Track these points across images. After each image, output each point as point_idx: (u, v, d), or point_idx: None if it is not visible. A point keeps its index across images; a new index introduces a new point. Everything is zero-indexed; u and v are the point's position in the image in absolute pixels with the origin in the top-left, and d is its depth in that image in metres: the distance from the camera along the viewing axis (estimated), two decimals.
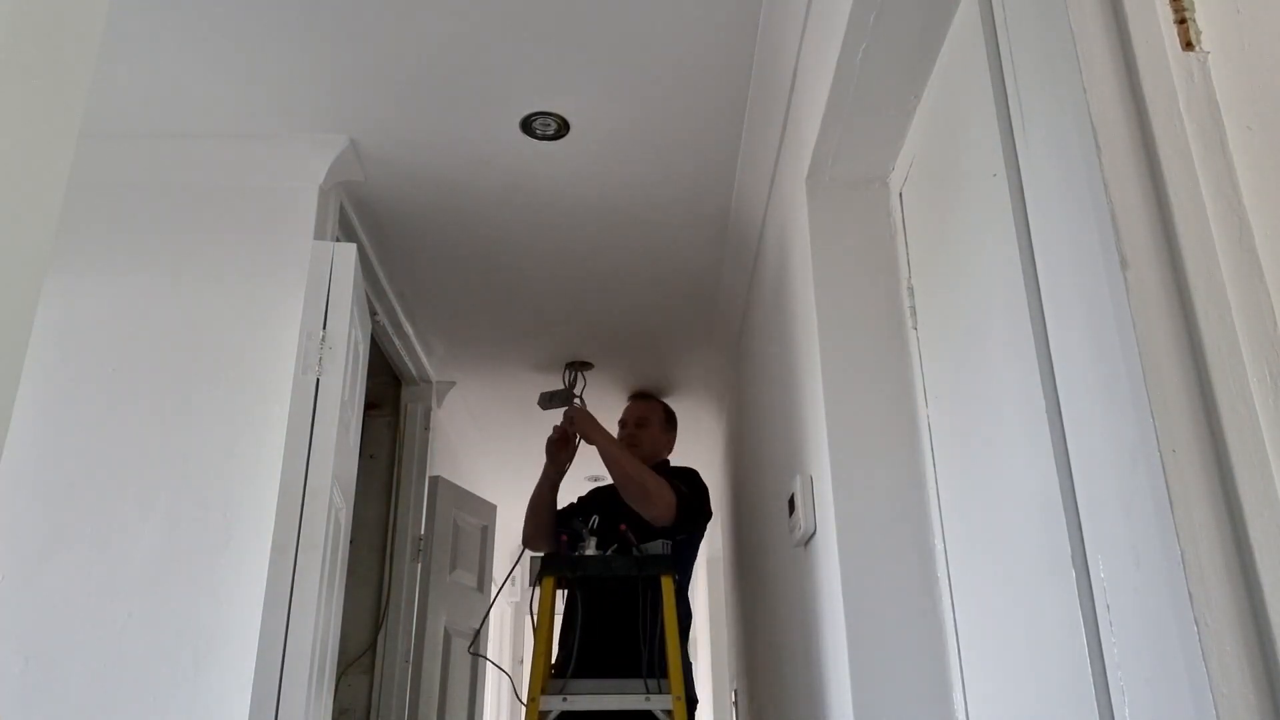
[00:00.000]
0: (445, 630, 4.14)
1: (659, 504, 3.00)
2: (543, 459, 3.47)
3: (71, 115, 0.86)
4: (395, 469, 4.06)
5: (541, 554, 2.98)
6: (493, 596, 4.28)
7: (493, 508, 4.80)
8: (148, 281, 2.53)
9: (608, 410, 4.08)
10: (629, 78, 2.40)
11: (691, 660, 3.17)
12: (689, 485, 3.21)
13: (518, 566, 3.28)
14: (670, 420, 3.74)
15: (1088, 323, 1.04)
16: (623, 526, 2.93)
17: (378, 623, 3.80)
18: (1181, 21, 0.95)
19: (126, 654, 2.19)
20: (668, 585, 2.71)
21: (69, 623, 2.21)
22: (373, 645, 3.76)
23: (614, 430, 3.55)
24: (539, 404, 3.99)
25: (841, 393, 1.86)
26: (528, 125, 2.58)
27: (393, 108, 2.52)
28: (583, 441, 3.39)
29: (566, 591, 2.92)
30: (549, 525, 3.34)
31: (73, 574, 2.24)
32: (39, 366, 2.40)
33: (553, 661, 2.94)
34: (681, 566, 3.11)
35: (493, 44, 2.28)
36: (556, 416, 4.01)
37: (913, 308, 1.83)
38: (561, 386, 4.04)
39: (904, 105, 1.79)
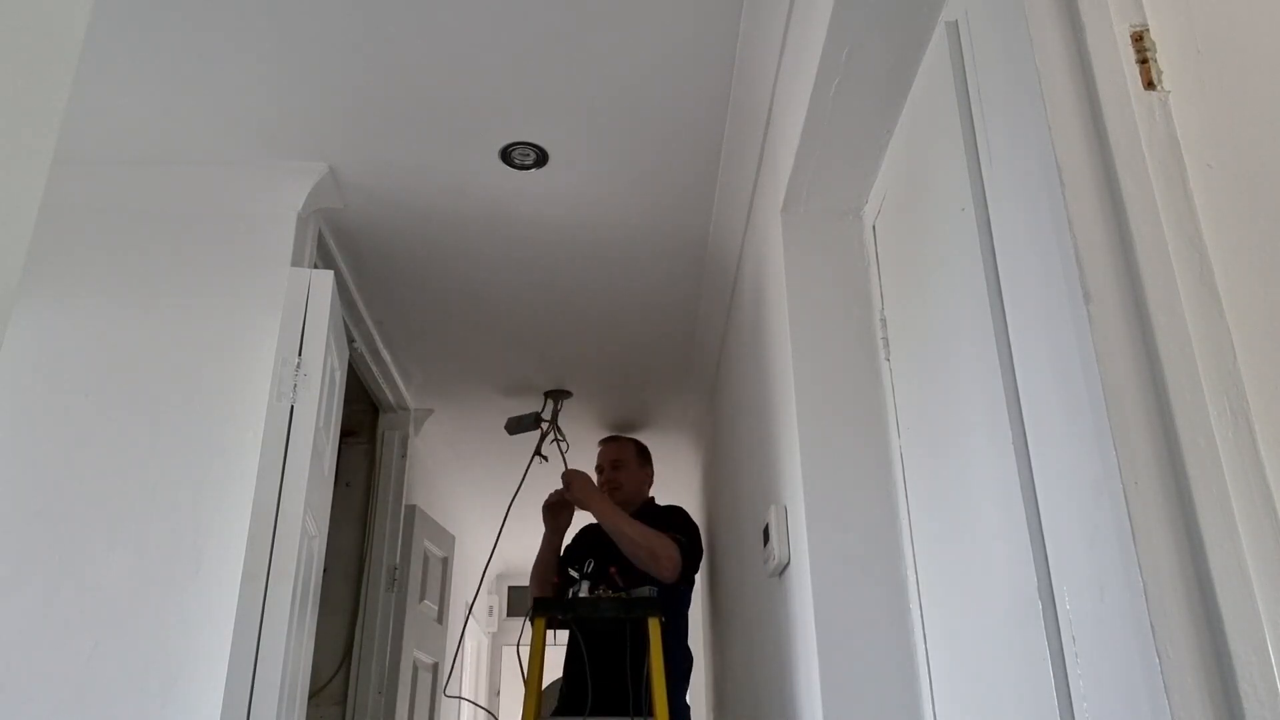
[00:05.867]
0: (414, 663, 4.10)
1: (666, 564, 3.06)
2: (529, 490, 3.47)
3: (46, 139, 0.86)
4: (371, 497, 4.03)
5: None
6: (461, 629, 4.24)
7: (451, 538, 4.76)
8: (123, 306, 2.52)
9: (586, 440, 4.07)
10: (608, 109, 2.42)
11: (689, 704, 3.18)
12: (683, 531, 3.24)
13: (491, 596, 3.28)
14: (644, 455, 3.72)
15: (1052, 355, 1.05)
16: (613, 569, 2.95)
17: (347, 651, 3.75)
18: (1144, 62, 0.97)
19: (92, 685, 2.15)
20: (654, 627, 2.72)
21: (33, 653, 2.16)
22: (337, 674, 3.71)
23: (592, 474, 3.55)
24: (506, 429, 3.97)
25: (816, 423, 1.87)
26: (507, 155, 2.59)
27: (372, 135, 2.53)
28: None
29: (567, 633, 2.95)
30: (555, 586, 3.36)
31: (38, 603, 2.20)
32: (9, 391, 2.38)
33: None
34: (676, 610, 3.13)
35: (473, 74, 2.29)
36: (530, 444, 3.99)
37: (885, 339, 1.84)
38: (530, 412, 4.02)
39: (877, 140, 1.81)
